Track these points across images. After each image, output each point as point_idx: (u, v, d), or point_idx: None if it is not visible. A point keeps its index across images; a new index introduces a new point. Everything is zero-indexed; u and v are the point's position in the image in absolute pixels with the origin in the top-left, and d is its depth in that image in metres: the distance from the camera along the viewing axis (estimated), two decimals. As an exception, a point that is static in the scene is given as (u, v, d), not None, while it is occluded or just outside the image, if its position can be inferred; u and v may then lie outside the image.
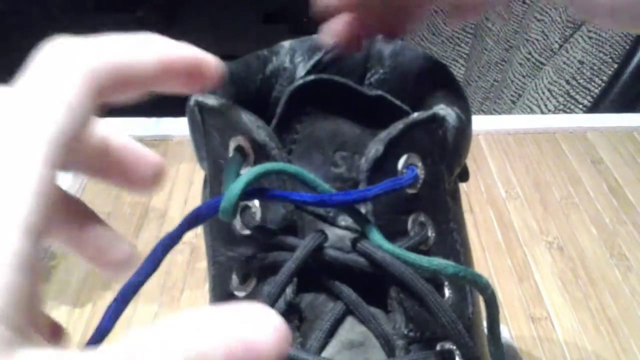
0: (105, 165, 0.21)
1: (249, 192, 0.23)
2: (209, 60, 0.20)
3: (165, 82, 0.19)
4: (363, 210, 0.24)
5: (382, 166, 0.25)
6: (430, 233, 0.26)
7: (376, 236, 0.24)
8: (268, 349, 0.15)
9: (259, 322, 0.15)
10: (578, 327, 0.48)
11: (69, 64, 0.17)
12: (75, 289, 0.49)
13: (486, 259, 0.54)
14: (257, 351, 0.15)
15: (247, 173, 0.22)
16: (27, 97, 0.17)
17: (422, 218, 0.26)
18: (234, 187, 0.22)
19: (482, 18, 1.18)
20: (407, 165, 0.25)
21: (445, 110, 0.26)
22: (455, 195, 0.28)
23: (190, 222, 0.22)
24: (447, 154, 0.27)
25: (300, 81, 0.25)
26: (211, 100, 0.26)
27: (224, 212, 0.22)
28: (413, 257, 0.23)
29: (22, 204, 0.15)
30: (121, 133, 0.21)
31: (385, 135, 0.25)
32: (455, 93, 0.29)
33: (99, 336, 0.20)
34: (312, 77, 0.25)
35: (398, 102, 0.28)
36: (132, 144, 0.21)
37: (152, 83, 0.19)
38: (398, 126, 0.25)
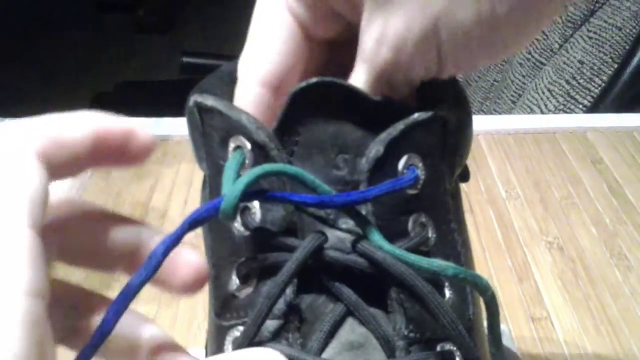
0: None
1: (249, 194, 0.23)
2: (139, 130, 0.22)
3: (102, 154, 0.21)
4: (363, 211, 0.24)
5: (383, 166, 0.25)
6: (431, 234, 0.26)
7: (376, 237, 0.24)
8: None
9: None
10: (578, 327, 0.48)
11: (17, 148, 0.18)
12: (75, 289, 0.49)
13: (486, 259, 0.54)
14: None
15: (247, 174, 0.22)
16: None
17: (422, 219, 0.26)
18: (234, 189, 0.22)
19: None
20: (407, 166, 0.25)
21: (446, 111, 0.26)
22: (456, 196, 0.28)
23: (190, 224, 0.22)
24: (448, 154, 0.27)
25: (303, 83, 0.25)
26: (210, 101, 0.26)
27: (223, 213, 0.22)
28: (413, 258, 0.23)
29: (21, 270, 0.16)
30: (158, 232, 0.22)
31: (385, 135, 0.25)
32: (455, 93, 0.29)
33: (99, 337, 0.20)
34: (314, 79, 0.25)
35: (403, 103, 0.28)
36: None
37: (89, 155, 0.20)
38: (399, 126, 0.25)
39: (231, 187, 0.22)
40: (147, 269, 0.20)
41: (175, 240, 0.21)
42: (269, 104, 0.26)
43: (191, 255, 0.22)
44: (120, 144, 0.21)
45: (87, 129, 0.20)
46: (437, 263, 0.23)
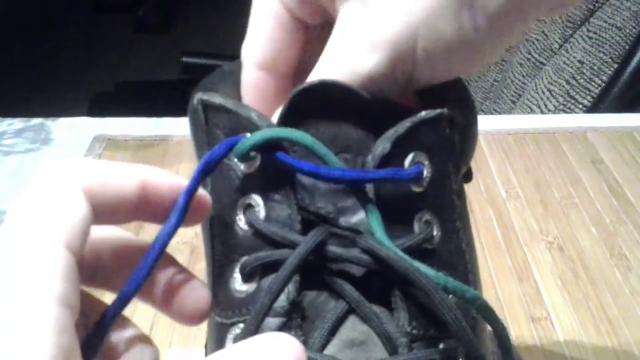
0: (157, 292, 0.24)
1: (264, 146, 0.24)
2: (200, 194, 0.23)
3: (149, 206, 0.22)
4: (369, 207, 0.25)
5: (389, 164, 0.25)
6: (436, 232, 0.26)
7: (375, 222, 0.24)
8: None
9: (281, 351, 0.19)
10: (578, 327, 0.48)
11: (65, 180, 0.20)
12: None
13: (486, 259, 0.54)
14: None
15: (268, 130, 0.24)
16: (40, 205, 0.20)
17: (428, 217, 0.26)
18: (255, 136, 0.23)
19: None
20: (414, 163, 0.25)
21: (452, 109, 0.26)
22: (461, 195, 0.28)
23: (205, 166, 0.23)
24: (454, 153, 0.27)
25: (304, 84, 0.25)
26: (218, 99, 0.26)
27: (237, 152, 0.24)
28: (406, 259, 0.23)
29: (55, 281, 0.18)
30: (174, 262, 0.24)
31: (392, 132, 0.25)
32: (460, 92, 0.29)
33: (137, 282, 0.22)
34: (315, 80, 0.25)
35: (404, 104, 0.28)
36: (186, 275, 0.24)
37: (135, 206, 0.22)
38: (405, 124, 0.25)
39: (251, 135, 0.24)
40: (175, 217, 0.22)
41: (194, 185, 0.23)
42: (268, 85, 0.29)
43: (202, 291, 0.24)
44: (167, 199, 0.22)
45: (135, 179, 0.22)
46: (428, 270, 0.23)
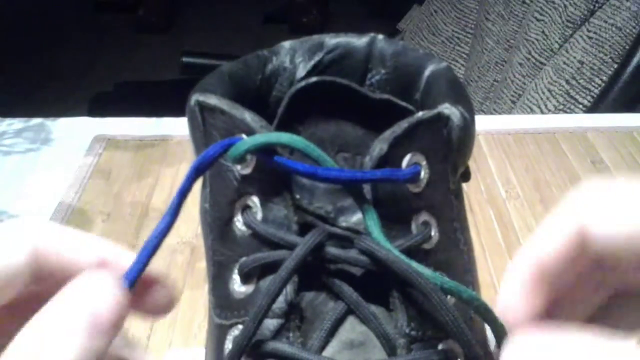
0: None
1: (259, 150, 0.24)
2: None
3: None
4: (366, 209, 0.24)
5: (387, 164, 0.25)
6: (434, 232, 0.26)
7: (372, 222, 0.24)
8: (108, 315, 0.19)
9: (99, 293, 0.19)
10: (578, 327, 0.48)
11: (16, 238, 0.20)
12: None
13: (486, 259, 0.54)
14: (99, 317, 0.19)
15: (264, 135, 0.24)
16: None
17: (426, 217, 0.26)
18: (249, 141, 0.23)
19: (482, 18, 1.18)
20: (411, 164, 0.25)
21: (449, 110, 0.26)
22: (459, 195, 0.28)
23: (198, 167, 0.23)
24: (452, 153, 0.27)
25: (303, 83, 0.25)
26: (213, 100, 0.26)
27: (232, 155, 0.24)
28: (404, 260, 0.23)
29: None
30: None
31: (389, 133, 0.25)
32: (458, 92, 0.29)
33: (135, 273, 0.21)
34: (314, 78, 0.25)
35: (403, 104, 0.28)
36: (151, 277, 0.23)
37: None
38: (402, 125, 0.25)
39: (247, 139, 0.24)
40: (169, 214, 0.22)
41: (188, 185, 0.23)
42: None
43: (165, 289, 0.23)
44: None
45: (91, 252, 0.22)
46: (425, 271, 0.23)
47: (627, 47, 0.88)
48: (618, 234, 0.20)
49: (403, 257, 0.23)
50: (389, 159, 0.25)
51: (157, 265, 0.22)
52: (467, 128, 0.27)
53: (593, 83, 0.91)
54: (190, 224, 0.53)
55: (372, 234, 0.24)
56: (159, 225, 0.22)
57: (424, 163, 0.25)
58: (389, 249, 0.23)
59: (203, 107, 0.27)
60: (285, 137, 0.23)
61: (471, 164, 0.30)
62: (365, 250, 0.24)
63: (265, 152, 0.24)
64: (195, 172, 0.23)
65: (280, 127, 0.27)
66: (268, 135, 0.24)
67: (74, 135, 0.67)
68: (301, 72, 0.31)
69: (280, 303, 0.24)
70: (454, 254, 0.27)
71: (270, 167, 0.24)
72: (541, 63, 1.02)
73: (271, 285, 0.23)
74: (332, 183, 0.24)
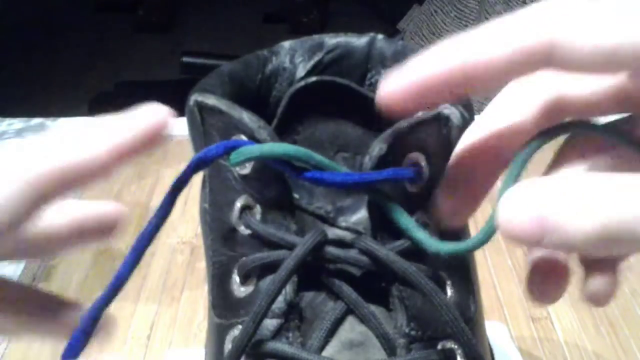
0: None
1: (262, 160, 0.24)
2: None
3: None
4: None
5: (386, 165, 0.25)
6: (434, 232, 0.26)
7: (400, 214, 0.24)
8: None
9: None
10: (578, 327, 0.48)
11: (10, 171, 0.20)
12: (75, 289, 0.49)
13: (486, 259, 0.54)
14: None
15: (266, 146, 0.23)
16: None
17: (425, 218, 0.26)
18: (254, 150, 0.23)
19: (482, 18, 1.18)
20: (411, 164, 0.25)
21: (449, 110, 0.26)
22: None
23: (197, 163, 0.23)
24: (451, 153, 0.27)
25: (302, 83, 0.25)
26: (211, 100, 0.26)
27: (232, 162, 0.23)
28: (421, 234, 0.23)
29: None
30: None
31: (389, 133, 0.25)
32: None
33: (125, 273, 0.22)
34: (314, 78, 0.25)
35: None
36: (87, 209, 0.24)
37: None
38: (402, 125, 0.25)
39: (250, 147, 0.23)
40: (161, 210, 0.23)
41: (184, 180, 0.23)
42: None
43: (105, 205, 0.24)
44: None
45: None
46: (440, 242, 0.23)
47: (627, 47, 0.88)
48: (595, 48, 0.18)
49: (399, 257, 0.23)
50: (389, 158, 0.25)
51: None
52: (467, 128, 0.27)
53: (593, 83, 0.91)
54: (190, 224, 0.53)
55: (410, 232, 0.23)
56: (151, 220, 0.23)
57: (423, 163, 0.25)
58: (437, 247, 0.23)
59: (202, 107, 0.27)
60: (281, 148, 0.23)
61: (470, 163, 0.30)
62: (365, 250, 0.24)
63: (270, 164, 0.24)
64: (193, 169, 0.23)
65: (280, 127, 0.27)
66: (271, 146, 0.23)
67: (74, 135, 0.67)
68: (301, 72, 0.31)
69: (279, 303, 0.24)
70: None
71: (275, 171, 0.24)
72: (541, 63, 1.02)
73: (271, 285, 0.23)
74: (339, 188, 0.24)
